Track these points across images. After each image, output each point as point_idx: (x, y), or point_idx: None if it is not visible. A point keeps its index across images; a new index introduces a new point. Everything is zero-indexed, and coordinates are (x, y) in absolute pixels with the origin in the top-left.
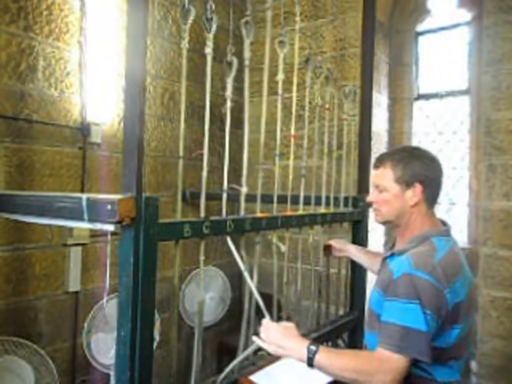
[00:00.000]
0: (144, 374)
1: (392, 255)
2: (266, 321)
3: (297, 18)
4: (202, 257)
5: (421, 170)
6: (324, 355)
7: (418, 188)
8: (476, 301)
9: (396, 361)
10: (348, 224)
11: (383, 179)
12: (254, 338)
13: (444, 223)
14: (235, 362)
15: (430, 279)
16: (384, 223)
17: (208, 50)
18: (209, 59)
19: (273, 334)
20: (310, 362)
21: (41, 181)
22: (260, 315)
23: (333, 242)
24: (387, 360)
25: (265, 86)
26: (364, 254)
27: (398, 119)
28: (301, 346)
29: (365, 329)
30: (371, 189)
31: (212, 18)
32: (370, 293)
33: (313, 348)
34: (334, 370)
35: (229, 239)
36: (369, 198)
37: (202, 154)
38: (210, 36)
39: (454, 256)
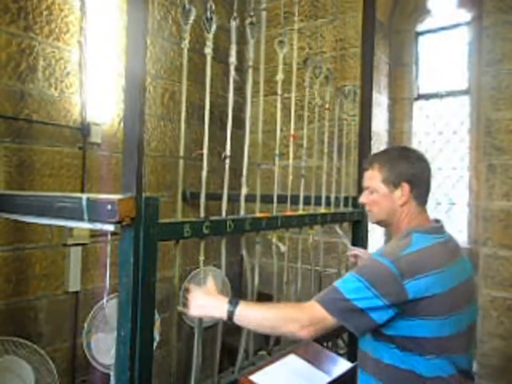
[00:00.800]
0: (144, 374)
1: None
2: (191, 286)
3: (296, 18)
4: (202, 257)
5: (407, 169)
6: (244, 306)
7: (405, 187)
8: (473, 299)
9: (318, 310)
10: (348, 224)
11: (372, 180)
12: (179, 308)
13: (437, 221)
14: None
15: (389, 266)
16: (377, 223)
17: (208, 50)
18: (209, 59)
19: (195, 296)
20: (231, 316)
21: (41, 181)
22: None
23: (359, 253)
24: (310, 307)
25: (261, 86)
26: None
27: (398, 119)
28: (222, 302)
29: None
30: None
31: (211, 18)
32: None
33: (233, 300)
34: (256, 321)
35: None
36: (360, 199)
37: (202, 154)
38: (210, 36)
39: (432, 252)
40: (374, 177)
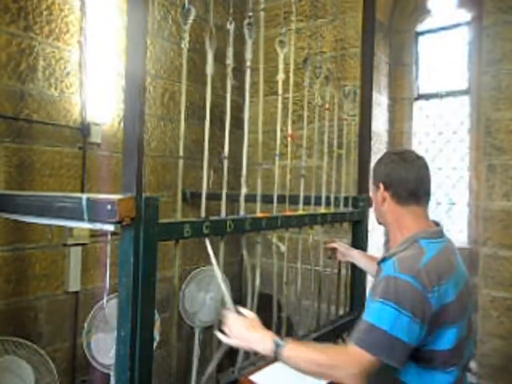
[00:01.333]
0: (144, 374)
1: (384, 259)
2: (229, 314)
3: (293, 18)
4: (214, 259)
5: (382, 171)
6: (291, 349)
7: (381, 187)
8: (474, 301)
9: (362, 356)
10: (347, 224)
11: (369, 182)
12: (217, 334)
13: (436, 224)
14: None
15: (413, 283)
16: (379, 223)
17: (208, 50)
18: (208, 59)
19: (237, 327)
20: (276, 355)
21: (41, 181)
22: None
23: (337, 246)
24: (354, 353)
25: (261, 86)
26: (366, 259)
27: (398, 119)
28: (267, 338)
29: None
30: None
31: (210, 18)
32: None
33: (280, 340)
34: (302, 365)
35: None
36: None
37: (202, 154)
38: (209, 35)
39: (443, 258)
40: (370, 179)
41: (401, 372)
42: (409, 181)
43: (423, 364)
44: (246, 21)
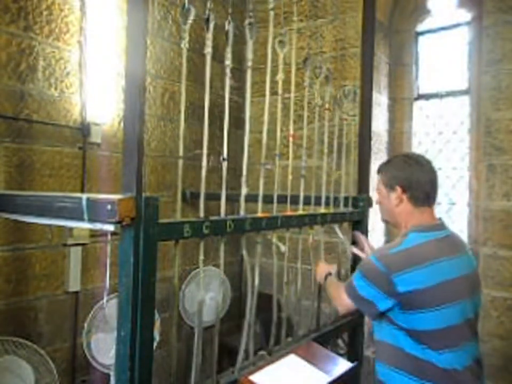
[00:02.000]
0: (144, 374)
1: None
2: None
3: (295, 18)
4: (202, 257)
5: (400, 174)
6: (327, 283)
7: (398, 190)
8: (477, 291)
9: (346, 299)
10: (348, 224)
11: (378, 184)
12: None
13: (439, 219)
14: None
15: (377, 264)
16: (385, 221)
17: (208, 50)
18: (208, 59)
19: (320, 264)
20: (323, 283)
21: (41, 181)
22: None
23: (363, 239)
24: (344, 296)
25: (267, 86)
26: None
27: (398, 119)
28: (324, 273)
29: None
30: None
31: (209, 18)
32: None
33: (326, 277)
34: (328, 291)
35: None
36: (375, 202)
37: (200, 154)
38: (209, 35)
39: (425, 248)
40: (379, 181)
41: (405, 345)
42: (426, 184)
43: (417, 340)
44: (247, 21)
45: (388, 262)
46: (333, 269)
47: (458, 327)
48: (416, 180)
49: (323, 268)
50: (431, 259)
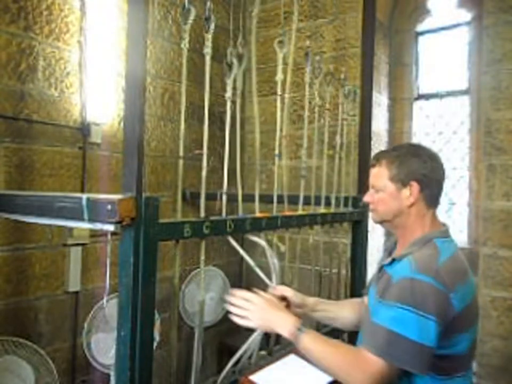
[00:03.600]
0: (144, 374)
1: (393, 261)
2: (245, 293)
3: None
4: (202, 257)
5: (418, 168)
6: (311, 339)
7: (415, 187)
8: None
9: (380, 367)
10: (347, 224)
11: (378, 178)
12: (233, 318)
13: (443, 225)
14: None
15: (434, 283)
16: (381, 222)
17: (207, 50)
18: (207, 59)
19: (260, 307)
20: (297, 340)
21: (41, 181)
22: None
23: (291, 296)
24: (371, 363)
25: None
26: (330, 304)
27: (398, 119)
28: (291, 322)
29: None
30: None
31: (209, 17)
32: (370, 306)
33: (301, 328)
34: (317, 358)
35: (231, 239)
36: (365, 198)
37: (201, 154)
38: (209, 35)
39: (459, 259)
40: (381, 175)
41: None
42: (442, 182)
43: (441, 371)
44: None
45: (443, 278)
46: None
47: (472, 348)
48: (435, 177)
49: (276, 310)
50: (466, 271)
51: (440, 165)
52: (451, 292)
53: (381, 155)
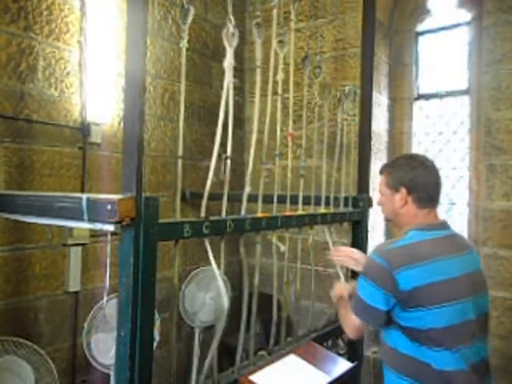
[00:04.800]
0: (144, 374)
1: None
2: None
3: (293, 17)
4: (211, 256)
5: (405, 175)
6: (338, 307)
7: (403, 191)
8: (481, 290)
9: (355, 322)
10: (347, 224)
11: (381, 185)
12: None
13: (439, 221)
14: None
15: (379, 260)
16: (389, 220)
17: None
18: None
19: (336, 284)
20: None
21: (41, 181)
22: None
23: (360, 257)
24: (351, 319)
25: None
26: None
27: (398, 119)
28: (335, 297)
29: None
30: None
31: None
32: None
33: (339, 299)
34: (339, 313)
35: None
36: (377, 202)
37: (202, 155)
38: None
39: (425, 244)
40: (382, 182)
41: (400, 345)
42: (430, 185)
43: (414, 339)
44: (254, 21)
45: (389, 258)
46: (346, 290)
47: (456, 327)
48: (421, 182)
49: (337, 290)
50: (430, 257)
51: (429, 169)
52: (394, 270)
53: (383, 166)
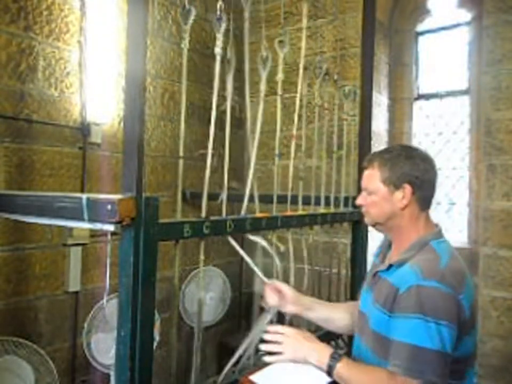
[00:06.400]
0: (144, 374)
1: (390, 267)
2: (279, 327)
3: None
4: (202, 257)
5: (411, 170)
6: (345, 368)
7: (407, 189)
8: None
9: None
10: (347, 224)
11: (370, 180)
12: (266, 358)
13: (436, 225)
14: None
15: (441, 287)
16: (373, 225)
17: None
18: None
19: (293, 339)
20: (330, 370)
21: (41, 181)
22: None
23: (284, 288)
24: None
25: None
26: (328, 307)
27: (398, 119)
28: (324, 353)
29: (361, 344)
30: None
31: (220, 18)
32: (366, 311)
33: (335, 357)
34: None
35: (231, 239)
36: (357, 201)
37: (204, 154)
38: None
39: (458, 258)
40: (373, 177)
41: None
42: (435, 184)
43: (453, 374)
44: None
45: (450, 281)
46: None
47: (474, 350)
48: (428, 179)
49: (309, 341)
50: (466, 270)
51: (432, 166)
52: (459, 293)
53: (373, 157)
